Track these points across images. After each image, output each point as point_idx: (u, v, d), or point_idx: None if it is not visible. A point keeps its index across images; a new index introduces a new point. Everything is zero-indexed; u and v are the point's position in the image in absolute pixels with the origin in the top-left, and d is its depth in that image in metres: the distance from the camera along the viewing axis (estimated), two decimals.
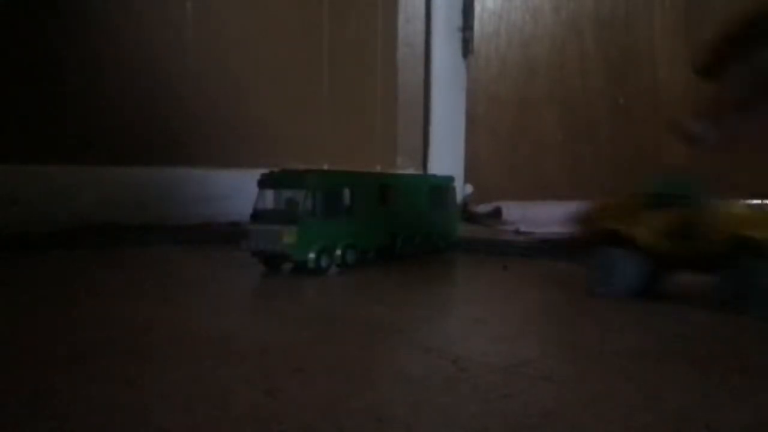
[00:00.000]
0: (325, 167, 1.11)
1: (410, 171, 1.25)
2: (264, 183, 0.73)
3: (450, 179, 0.90)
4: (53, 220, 0.87)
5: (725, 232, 0.54)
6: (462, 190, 1.30)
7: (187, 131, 0.99)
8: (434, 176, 0.99)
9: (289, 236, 0.68)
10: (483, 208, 1.27)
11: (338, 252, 0.73)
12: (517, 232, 0.98)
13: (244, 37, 1.04)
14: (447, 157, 1.28)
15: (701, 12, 1.39)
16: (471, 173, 1.30)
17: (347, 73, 1.14)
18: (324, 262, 0.71)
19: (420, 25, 1.25)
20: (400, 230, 0.80)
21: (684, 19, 1.38)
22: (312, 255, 0.69)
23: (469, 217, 1.29)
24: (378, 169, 1.20)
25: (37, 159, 0.88)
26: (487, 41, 1.30)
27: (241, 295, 0.62)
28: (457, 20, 1.27)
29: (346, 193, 0.75)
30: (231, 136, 1.02)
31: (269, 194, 0.73)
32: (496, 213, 1.22)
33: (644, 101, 1.38)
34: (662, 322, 0.51)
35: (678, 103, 1.39)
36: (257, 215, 0.72)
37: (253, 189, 0.73)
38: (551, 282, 0.69)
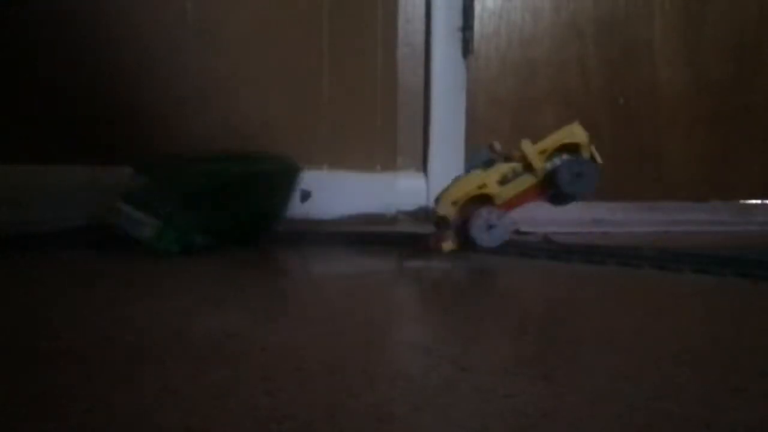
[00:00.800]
0: (325, 168, 1.12)
1: (410, 171, 1.25)
2: (137, 167, 0.76)
3: (297, 167, 0.92)
4: (52, 221, 0.87)
5: (545, 152, 0.76)
6: None
7: (186, 131, 0.99)
8: (286, 163, 0.94)
9: (150, 228, 0.73)
10: None
11: (192, 239, 0.76)
12: (518, 232, 0.98)
13: (242, 36, 1.04)
14: (447, 157, 1.28)
15: (701, 12, 1.39)
16: None
17: (347, 73, 1.14)
18: (175, 246, 0.75)
19: (420, 25, 1.25)
20: (258, 218, 0.83)
21: (684, 19, 1.38)
22: (165, 241, 0.74)
23: None
24: (378, 168, 1.20)
25: (37, 159, 0.88)
26: (487, 41, 1.30)
27: (240, 294, 0.62)
28: (457, 20, 1.27)
29: (209, 182, 0.78)
30: (230, 136, 1.02)
31: (141, 178, 0.76)
32: None
33: (644, 101, 1.38)
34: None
35: (678, 103, 1.39)
36: (129, 197, 0.75)
37: None
38: (548, 280, 0.69)
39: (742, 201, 1.39)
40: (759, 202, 1.40)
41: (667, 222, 1.24)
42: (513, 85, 1.32)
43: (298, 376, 0.36)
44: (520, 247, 0.87)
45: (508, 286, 0.69)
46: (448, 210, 0.78)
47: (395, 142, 1.23)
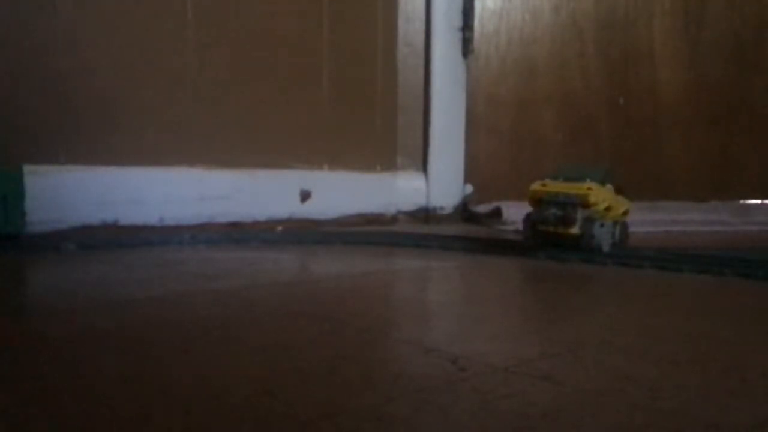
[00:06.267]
0: (325, 167, 1.12)
1: (410, 171, 1.25)
2: None
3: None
4: (52, 220, 0.87)
5: None
6: (462, 190, 1.30)
7: (186, 131, 0.99)
8: None
9: None
10: (483, 208, 1.27)
11: None
12: (518, 231, 0.98)
13: (243, 36, 1.04)
14: (447, 157, 1.28)
15: (701, 12, 1.39)
16: (471, 173, 1.31)
17: (347, 72, 1.14)
18: None
19: (420, 25, 1.25)
20: None
21: (684, 20, 1.38)
22: None
23: (469, 217, 1.29)
24: (378, 168, 1.20)
25: (36, 159, 0.88)
26: (487, 41, 1.30)
27: (240, 294, 0.62)
28: (457, 20, 1.27)
29: None
30: (230, 136, 1.02)
31: None
32: (496, 213, 1.22)
33: (644, 101, 1.38)
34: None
35: (678, 103, 1.39)
36: None
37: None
38: (547, 279, 0.69)
39: (742, 201, 1.39)
40: (759, 202, 1.40)
41: (667, 222, 1.24)
42: (513, 84, 1.32)
43: (298, 376, 0.36)
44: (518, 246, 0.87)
45: (506, 284, 0.69)
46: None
47: (395, 142, 1.23)
